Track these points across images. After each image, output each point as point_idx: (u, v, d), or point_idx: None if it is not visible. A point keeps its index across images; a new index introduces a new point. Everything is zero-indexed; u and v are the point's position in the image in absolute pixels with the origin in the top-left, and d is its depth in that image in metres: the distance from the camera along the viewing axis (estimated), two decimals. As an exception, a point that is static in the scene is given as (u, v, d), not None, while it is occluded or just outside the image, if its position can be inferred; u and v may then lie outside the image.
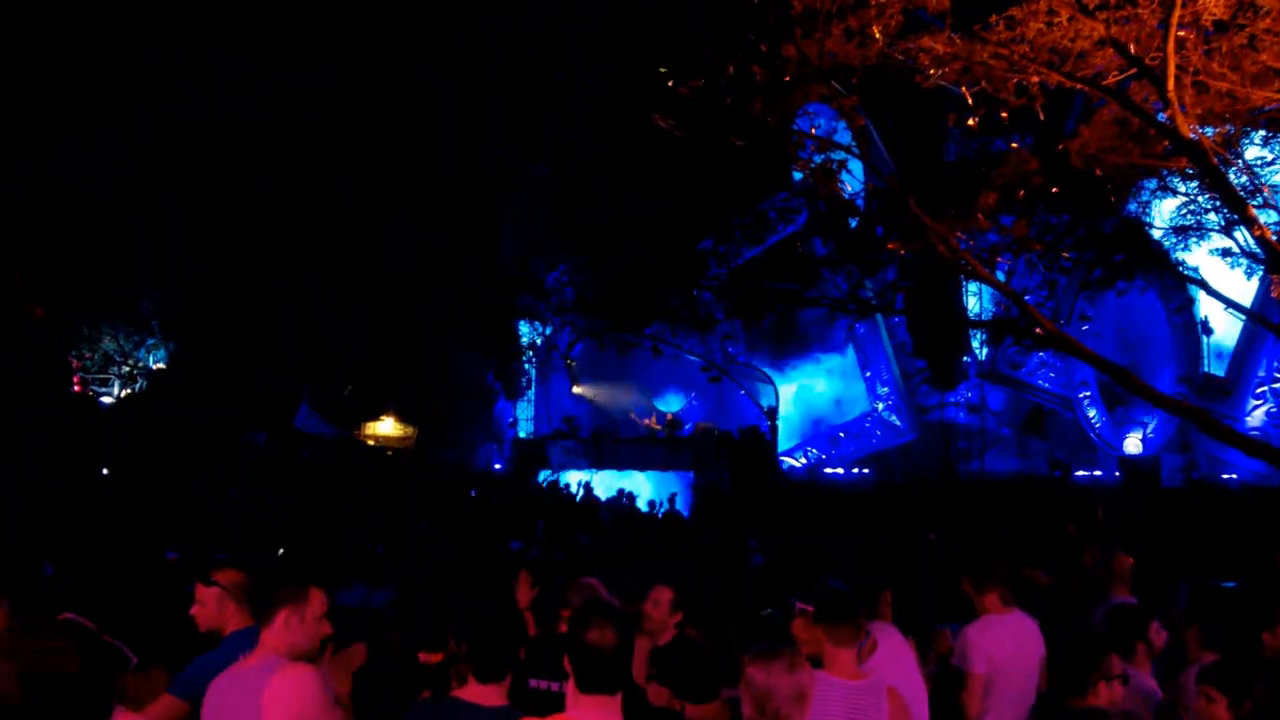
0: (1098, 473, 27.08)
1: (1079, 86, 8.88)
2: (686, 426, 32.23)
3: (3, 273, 25.84)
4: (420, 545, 15.12)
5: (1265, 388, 26.51)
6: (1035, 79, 8.91)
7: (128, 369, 32.04)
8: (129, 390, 31.62)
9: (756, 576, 12.74)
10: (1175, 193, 19.76)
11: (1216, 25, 8.39)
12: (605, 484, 29.03)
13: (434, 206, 29.93)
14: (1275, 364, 26.45)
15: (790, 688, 3.71)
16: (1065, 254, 20.94)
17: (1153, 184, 19.89)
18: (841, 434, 32.19)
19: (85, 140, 27.22)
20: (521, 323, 35.49)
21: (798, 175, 21.39)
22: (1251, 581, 9.62)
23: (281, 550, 13.64)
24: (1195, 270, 20.81)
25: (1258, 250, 16.18)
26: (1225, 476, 25.23)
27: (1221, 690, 4.39)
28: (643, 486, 29.00)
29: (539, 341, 36.31)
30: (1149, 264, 21.52)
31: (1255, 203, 14.17)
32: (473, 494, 24.95)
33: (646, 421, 32.73)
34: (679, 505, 25.02)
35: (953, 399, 29.97)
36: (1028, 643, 5.95)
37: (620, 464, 31.24)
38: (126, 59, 26.82)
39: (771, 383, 31.42)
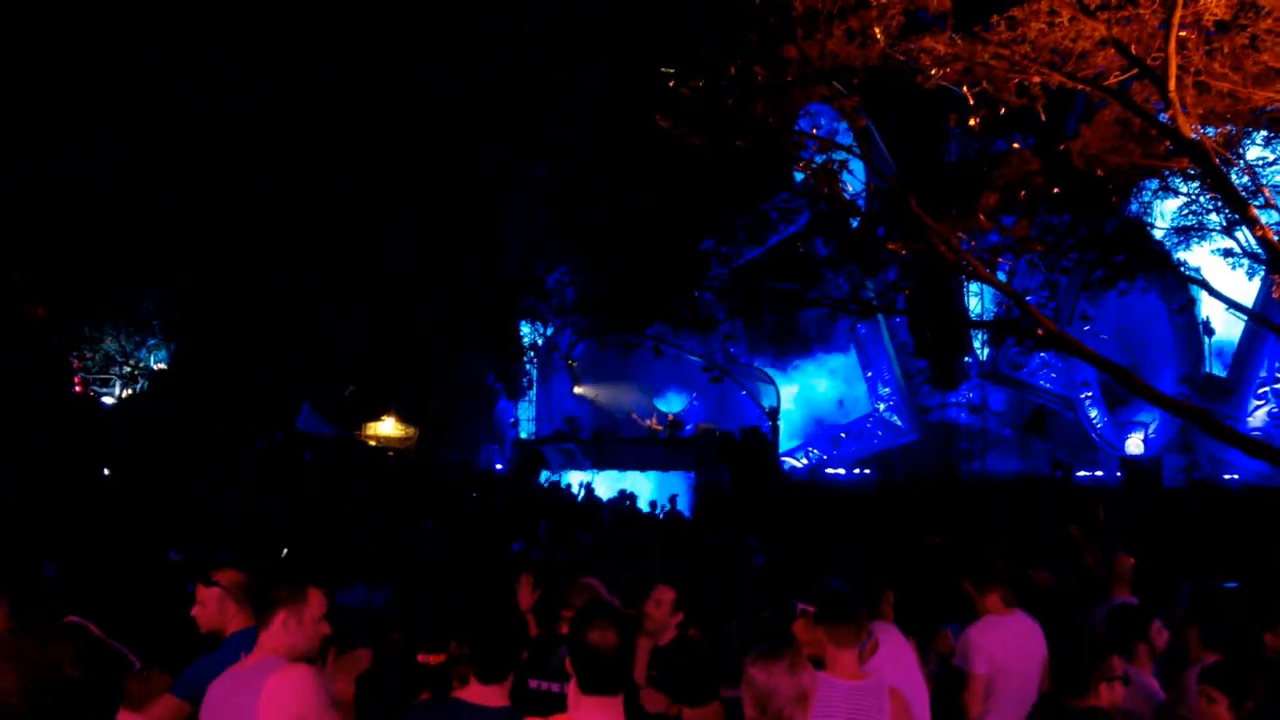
0: (1099, 473, 27.07)
1: (1080, 87, 8.87)
2: (688, 427, 32.23)
3: (3, 273, 25.85)
4: (421, 545, 15.15)
5: (1267, 388, 26.49)
6: (1036, 79, 8.90)
7: (129, 369, 32.06)
8: (130, 391, 31.64)
9: (758, 577, 12.73)
10: (1177, 193, 19.77)
11: (1218, 25, 8.38)
12: (606, 484, 29.03)
13: (434, 206, 29.92)
14: (1277, 364, 26.43)
15: (792, 688, 3.71)
16: (1067, 254, 20.97)
17: (1154, 184, 19.90)
18: (843, 434, 32.20)
19: (85, 140, 27.23)
20: (523, 323, 35.50)
21: (799, 176, 21.41)
22: (1253, 582, 9.62)
23: (285, 551, 13.63)
24: (1197, 271, 20.83)
25: (1259, 251, 16.19)
26: (1227, 477, 25.22)
27: (1223, 690, 4.39)
28: (644, 487, 28.99)
29: (540, 342, 36.32)
30: (1150, 264, 21.54)
31: (1257, 203, 14.16)
32: (474, 495, 24.93)
33: (648, 422, 32.74)
34: (680, 506, 25.00)
35: (954, 399, 29.98)
36: (1029, 643, 5.95)
37: (621, 464, 31.25)
38: (126, 59, 26.83)
39: (773, 383, 31.43)
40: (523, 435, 36.32)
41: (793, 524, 19.69)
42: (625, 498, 25.38)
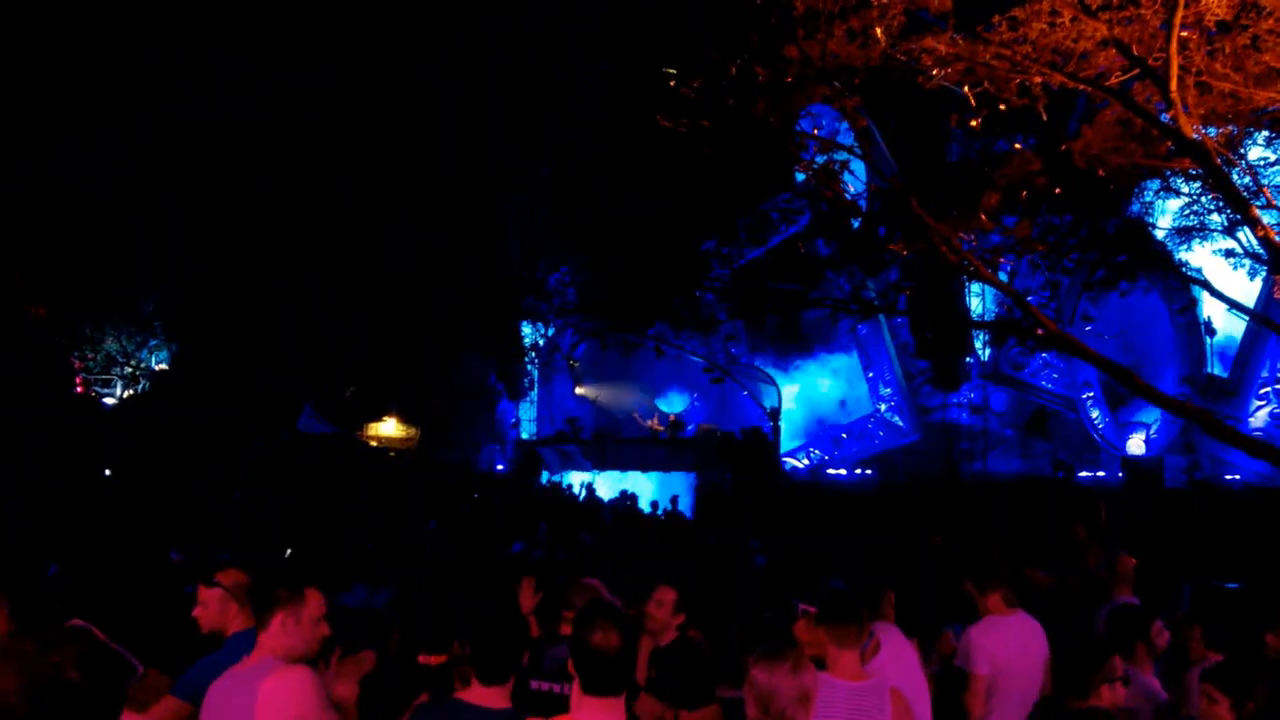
0: (1101, 474, 27.04)
1: (1082, 87, 8.87)
2: (689, 427, 32.23)
3: (3, 273, 25.84)
4: (422, 545, 15.15)
5: (1268, 389, 26.47)
6: (1038, 79, 8.91)
7: (130, 370, 32.06)
8: (132, 391, 31.64)
9: (759, 577, 12.74)
10: (1178, 193, 19.78)
11: (1219, 26, 8.38)
12: (608, 485, 29.04)
13: (434, 206, 29.92)
14: (1278, 365, 26.42)
15: (794, 689, 3.71)
16: (1068, 255, 20.97)
17: (1155, 185, 19.93)
18: (844, 435, 32.19)
19: (85, 140, 27.22)
20: (524, 324, 35.51)
21: (800, 176, 21.43)
22: (1254, 582, 9.62)
23: (289, 551, 13.63)
24: (1198, 271, 20.82)
25: (1261, 251, 16.18)
26: (1228, 477, 25.20)
27: (1225, 691, 4.39)
28: (645, 487, 29.00)
29: (541, 342, 36.32)
30: (1152, 265, 21.53)
31: (1258, 203, 14.16)
32: (475, 495, 24.94)
33: (649, 423, 32.74)
34: (681, 506, 25.00)
35: (955, 400, 29.98)
36: (1031, 644, 5.94)
37: (623, 465, 31.27)
38: (126, 59, 26.82)
39: (774, 383, 31.42)
40: (524, 436, 36.34)
41: (794, 524, 19.69)
42: (626, 498, 25.38)
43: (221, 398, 25.87)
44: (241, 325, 28.82)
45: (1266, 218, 10.80)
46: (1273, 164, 17.17)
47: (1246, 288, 21.66)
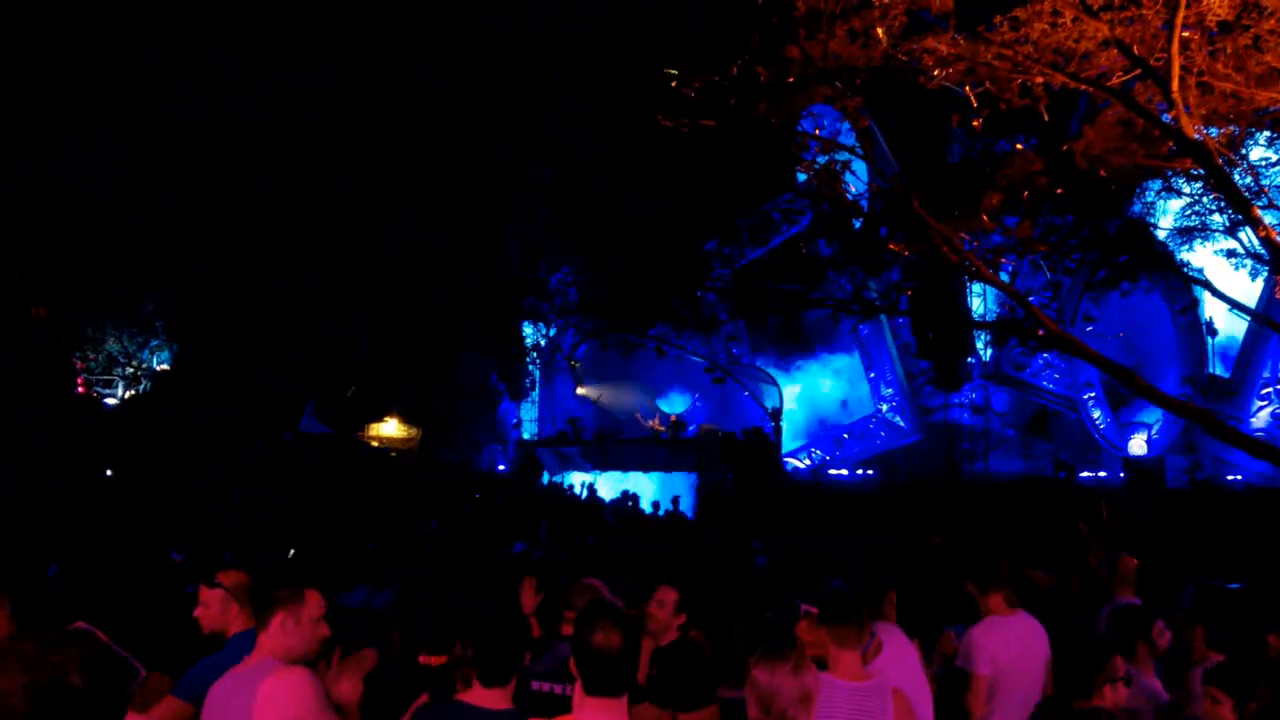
0: (1102, 474, 27.04)
1: (1083, 87, 8.86)
2: (690, 428, 32.22)
3: (3, 273, 25.83)
4: (423, 546, 15.16)
5: (1270, 389, 26.46)
6: (1039, 80, 8.90)
7: (132, 370, 32.06)
8: (133, 392, 31.63)
9: (760, 577, 12.74)
10: (1180, 194, 19.81)
11: (1221, 26, 8.38)
12: (609, 485, 29.04)
13: (434, 206, 29.92)
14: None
15: (795, 689, 3.71)
16: (1070, 255, 20.97)
17: (1157, 185, 19.95)
18: (845, 435, 32.19)
19: (85, 140, 27.21)
20: (525, 324, 35.50)
21: (802, 176, 21.44)
22: (1256, 583, 9.61)
23: (292, 552, 13.63)
24: (1200, 271, 20.83)
25: (1262, 251, 16.18)
26: (1230, 477, 25.20)
27: (1228, 692, 4.38)
28: (647, 488, 29.01)
29: (543, 343, 36.31)
30: (1153, 265, 21.54)
31: (1260, 203, 14.17)
32: (477, 496, 24.93)
33: (650, 423, 32.73)
34: (683, 506, 25.00)
35: (957, 400, 29.99)
36: (1032, 644, 5.94)
37: (624, 465, 31.26)
38: (126, 59, 26.82)
39: (775, 384, 31.42)
40: (525, 436, 36.33)
41: (795, 525, 19.69)
42: (628, 498, 25.39)
43: (222, 398, 25.85)
44: (241, 325, 28.81)
45: (1268, 218, 10.82)
46: (1274, 164, 17.19)
47: (1248, 288, 21.68)
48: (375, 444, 33.61)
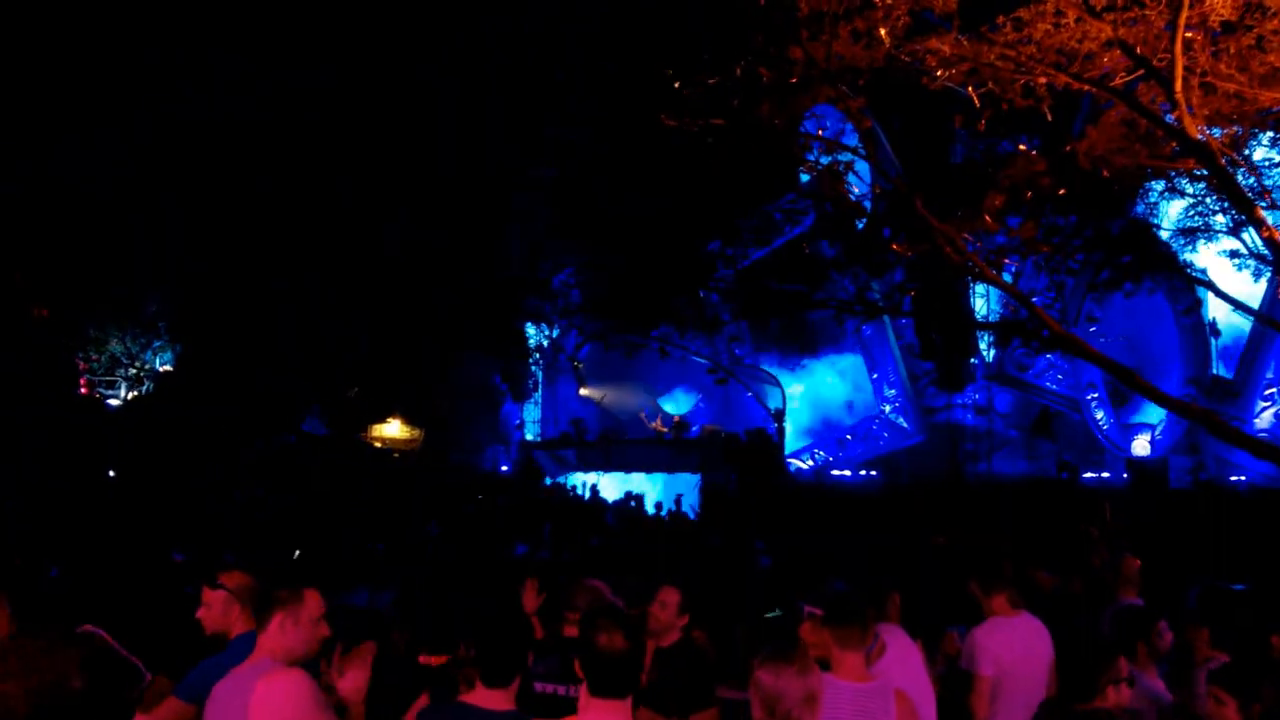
0: (1105, 475, 27.04)
1: (1086, 88, 8.86)
2: (693, 429, 32.22)
3: (3, 273, 25.82)
4: (424, 546, 15.17)
5: (1273, 389, 26.46)
6: (1042, 80, 8.90)
7: (134, 371, 32.05)
8: (136, 393, 31.63)
9: (763, 578, 12.74)
10: (1183, 194, 19.75)
11: (1224, 26, 8.38)
12: (613, 486, 29.04)
13: (434, 206, 29.92)
14: (1283, 366, 26.46)
15: (800, 691, 3.69)
16: (1073, 255, 20.93)
17: (1160, 185, 19.90)
18: (849, 436, 32.17)
19: (85, 140, 27.21)
20: (528, 325, 35.50)
21: (805, 177, 21.43)
22: (1260, 584, 9.60)
23: (297, 553, 13.63)
24: (1203, 272, 20.79)
25: (1266, 252, 16.14)
26: (1233, 478, 25.19)
27: (1232, 693, 4.37)
28: (650, 489, 29.00)
29: (545, 343, 36.31)
30: (1157, 265, 21.48)
31: (1263, 204, 14.15)
32: (479, 497, 24.93)
33: (653, 424, 32.72)
34: (685, 507, 25.00)
35: (960, 401, 29.96)
36: (1036, 645, 5.93)
37: (627, 466, 31.26)
38: (126, 59, 26.82)
39: (778, 384, 31.41)
40: (528, 437, 36.33)
41: (798, 525, 19.65)
42: (632, 499, 25.39)
43: (222, 398, 25.84)
44: (242, 325, 28.80)
45: (1271, 218, 10.79)
46: (1277, 164, 17.15)
47: (1251, 289, 21.65)
48: (378, 445, 33.62)
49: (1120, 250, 20.64)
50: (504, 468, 34.25)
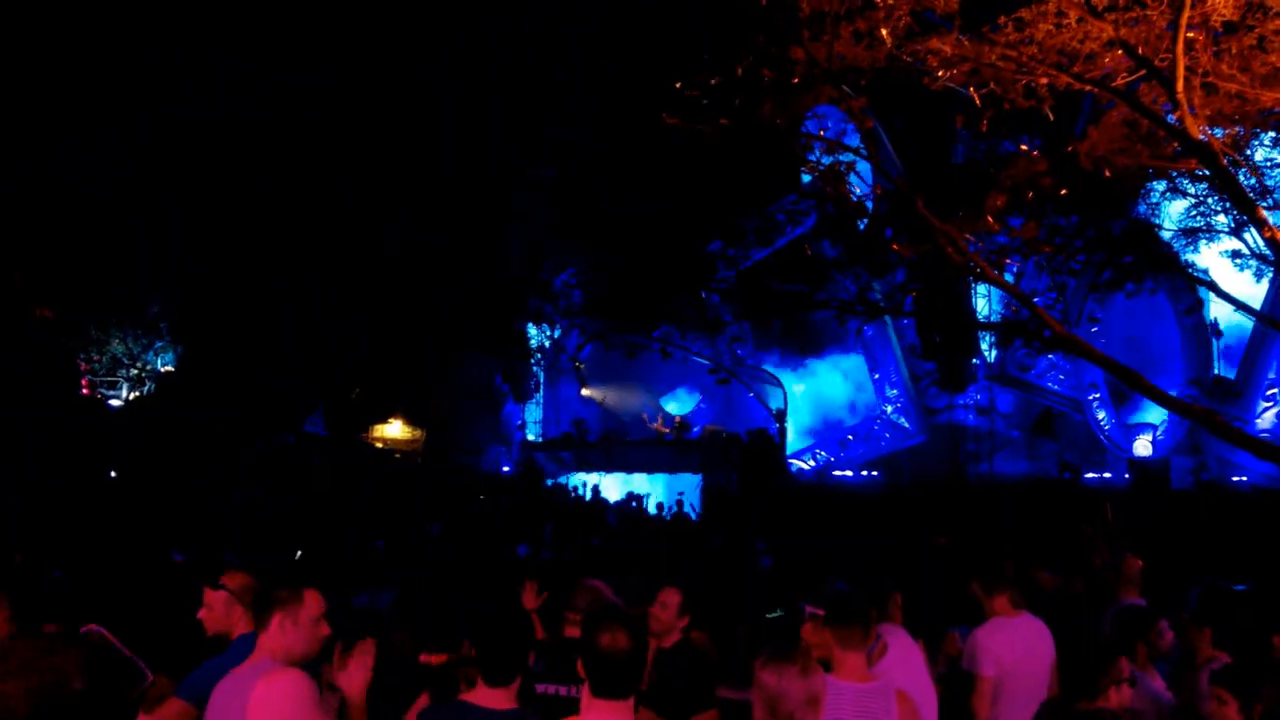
0: (1107, 475, 27.04)
1: (1088, 88, 8.85)
2: (695, 429, 32.21)
3: (3, 273, 25.83)
4: (425, 547, 15.17)
5: (1275, 390, 26.46)
6: (1044, 80, 8.88)
7: (136, 372, 32.05)
8: (137, 393, 31.63)
9: (765, 579, 12.74)
10: (1184, 194, 19.77)
11: (1226, 26, 8.36)
12: (614, 487, 29.04)
13: (434, 206, 29.92)
14: (1286, 366, 26.45)
15: (803, 691, 3.69)
16: (1074, 256, 20.92)
17: (1162, 186, 19.91)
18: (850, 436, 32.15)
19: (85, 140, 27.22)
20: (529, 325, 35.50)
21: (806, 177, 21.41)
22: (1262, 584, 9.59)
23: (300, 554, 13.62)
24: (1205, 272, 20.80)
25: (1267, 252, 16.16)
26: (1235, 479, 25.20)
27: (1234, 693, 4.37)
28: (651, 489, 28.99)
29: (547, 344, 36.30)
30: (1158, 266, 21.48)
31: (1265, 204, 14.15)
32: (481, 497, 24.93)
33: (655, 425, 32.72)
34: (687, 508, 24.99)
35: (962, 401, 29.96)
36: (1037, 645, 5.93)
37: (629, 467, 31.26)
38: (126, 59, 26.83)
39: (780, 385, 31.39)
40: (530, 437, 36.31)
41: (800, 526, 19.65)
42: (633, 499, 25.39)
43: (222, 398, 25.84)
44: (242, 326, 28.80)
45: (1273, 218, 10.78)
46: (1279, 165, 17.15)
47: (1253, 289, 21.66)
48: (380, 445, 33.62)
49: (1122, 250, 20.62)
50: (505, 468, 34.21)
